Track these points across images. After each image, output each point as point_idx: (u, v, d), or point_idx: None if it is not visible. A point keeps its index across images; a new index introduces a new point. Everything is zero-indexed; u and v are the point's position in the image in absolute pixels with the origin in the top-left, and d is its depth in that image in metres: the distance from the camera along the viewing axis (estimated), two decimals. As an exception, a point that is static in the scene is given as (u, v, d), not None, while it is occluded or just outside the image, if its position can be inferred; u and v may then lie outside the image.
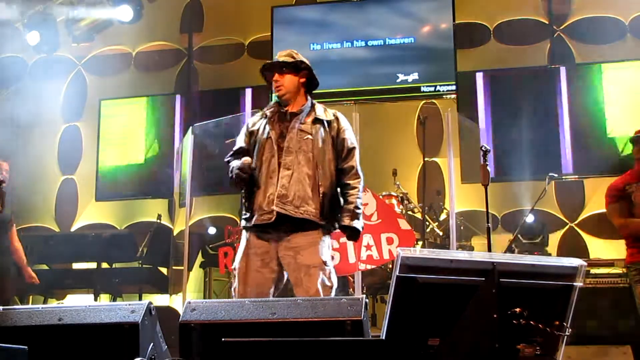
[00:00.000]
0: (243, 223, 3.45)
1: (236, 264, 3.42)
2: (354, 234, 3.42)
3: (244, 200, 3.47)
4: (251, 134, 3.51)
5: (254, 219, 3.35)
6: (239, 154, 3.47)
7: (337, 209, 3.41)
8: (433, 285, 2.23)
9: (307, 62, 3.50)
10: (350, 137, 3.49)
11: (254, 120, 3.56)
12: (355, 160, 3.48)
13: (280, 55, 3.51)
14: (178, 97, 8.20)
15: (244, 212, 3.46)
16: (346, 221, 3.36)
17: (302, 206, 3.29)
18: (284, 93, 3.45)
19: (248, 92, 7.91)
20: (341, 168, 3.45)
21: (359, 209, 3.41)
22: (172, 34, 8.46)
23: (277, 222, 3.30)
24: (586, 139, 6.92)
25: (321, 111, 3.49)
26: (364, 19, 7.53)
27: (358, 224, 3.38)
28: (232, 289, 3.44)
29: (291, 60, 3.45)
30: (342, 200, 3.44)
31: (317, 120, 3.44)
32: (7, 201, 5.45)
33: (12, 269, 5.54)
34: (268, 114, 3.50)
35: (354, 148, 3.49)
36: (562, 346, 2.28)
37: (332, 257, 3.63)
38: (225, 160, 3.54)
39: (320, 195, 3.34)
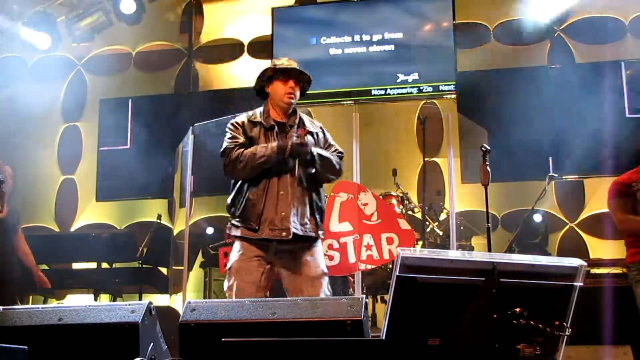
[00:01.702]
0: (244, 233, 3.42)
1: (231, 263, 3.47)
2: (302, 150, 3.41)
3: (243, 209, 3.43)
4: (250, 140, 3.50)
5: (264, 232, 3.37)
6: (244, 146, 3.45)
7: (323, 217, 3.59)
8: (433, 285, 2.23)
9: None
10: (336, 145, 3.67)
11: (246, 125, 3.54)
12: (340, 157, 3.63)
13: (293, 63, 3.56)
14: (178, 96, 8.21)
15: (245, 222, 3.41)
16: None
17: (305, 224, 3.44)
18: (294, 103, 3.57)
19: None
20: None
21: (322, 157, 3.47)
22: (172, 34, 8.46)
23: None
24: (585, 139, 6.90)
25: (309, 123, 3.63)
26: (363, 19, 7.52)
27: (314, 154, 3.42)
28: (226, 287, 3.45)
29: (311, 78, 3.61)
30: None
31: (309, 133, 3.55)
32: (12, 204, 5.46)
33: (16, 271, 5.53)
34: (265, 123, 3.52)
35: (342, 154, 3.67)
36: (562, 346, 2.28)
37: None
38: (230, 146, 3.46)
39: (316, 210, 3.50)
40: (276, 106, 3.56)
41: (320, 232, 3.53)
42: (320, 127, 3.67)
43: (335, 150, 3.63)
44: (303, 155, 3.38)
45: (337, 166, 3.56)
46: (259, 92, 3.63)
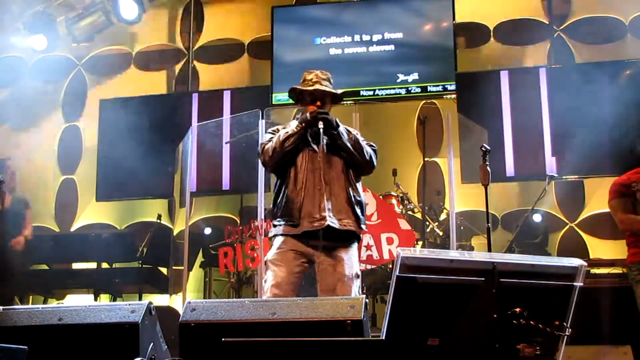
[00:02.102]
0: (285, 230, 3.50)
1: (267, 257, 3.56)
2: (322, 112, 3.54)
3: (283, 206, 3.52)
4: None
5: (304, 226, 3.44)
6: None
7: (364, 211, 3.63)
8: (433, 285, 2.23)
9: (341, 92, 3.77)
10: (370, 142, 3.73)
11: (281, 129, 3.68)
12: (374, 150, 3.69)
13: (319, 78, 3.67)
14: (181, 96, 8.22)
15: (286, 218, 3.50)
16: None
17: (342, 218, 3.48)
18: None
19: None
20: None
21: (345, 134, 3.58)
22: (172, 34, 8.46)
23: (324, 233, 3.43)
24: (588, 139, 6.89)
25: (342, 128, 3.72)
26: (363, 19, 7.53)
27: (338, 129, 3.56)
28: (264, 280, 3.53)
29: (339, 92, 3.73)
30: None
31: None
32: (17, 194, 5.52)
33: (15, 267, 5.56)
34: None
35: (375, 147, 3.74)
36: (562, 346, 2.28)
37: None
38: (263, 142, 3.64)
39: (355, 204, 3.54)
40: None
41: (363, 226, 3.57)
42: (356, 133, 3.74)
43: (368, 144, 3.71)
44: (324, 116, 3.48)
45: (367, 150, 3.60)
46: (297, 102, 3.79)
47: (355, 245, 3.57)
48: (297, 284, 3.44)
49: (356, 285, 3.49)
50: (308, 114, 3.54)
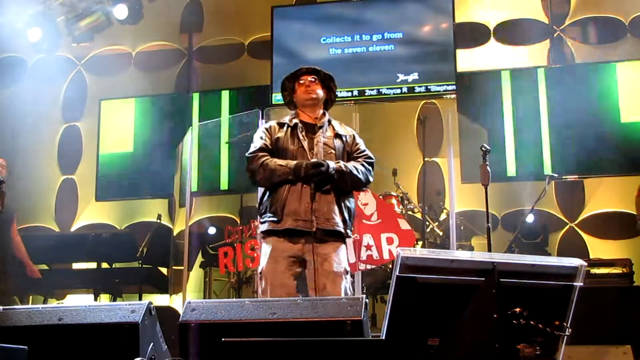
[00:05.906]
0: (268, 226, 3.45)
1: (262, 267, 3.48)
2: (317, 170, 3.40)
3: (268, 204, 3.47)
4: (275, 141, 3.54)
5: (287, 222, 3.39)
6: (266, 151, 3.51)
7: (352, 217, 3.58)
8: (433, 285, 2.23)
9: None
10: (367, 150, 3.65)
11: (273, 127, 3.60)
12: (370, 164, 3.62)
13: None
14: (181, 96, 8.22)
15: (269, 214, 3.45)
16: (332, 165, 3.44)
17: (331, 218, 3.42)
18: (314, 98, 3.61)
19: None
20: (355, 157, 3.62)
21: (342, 172, 3.45)
22: (172, 34, 8.46)
23: (313, 234, 3.38)
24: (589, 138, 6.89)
25: (339, 127, 3.68)
26: (363, 19, 7.54)
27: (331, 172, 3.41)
28: (260, 291, 3.48)
29: (326, 73, 3.69)
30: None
31: (337, 136, 3.61)
32: (8, 198, 5.50)
33: (12, 269, 5.54)
34: (291, 124, 3.58)
35: (372, 160, 3.64)
36: (562, 346, 2.28)
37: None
38: (250, 155, 3.52)
39: (344, 208, 3.49)
40: (303, 108, 3.63)
41: (349, 231, 3.53)
42: (352, 133, 3.69)
43: (364, 155, 3.61)
44: (318, 175, 3.38)
45: (362, 177, 3.52)
46: (290, 105, 3.73)
47: (343, 245, 3.51)
48: (294, 288, 3.41)
49: (346, 280, 3.45)
50: (303, 164, 3.38)
